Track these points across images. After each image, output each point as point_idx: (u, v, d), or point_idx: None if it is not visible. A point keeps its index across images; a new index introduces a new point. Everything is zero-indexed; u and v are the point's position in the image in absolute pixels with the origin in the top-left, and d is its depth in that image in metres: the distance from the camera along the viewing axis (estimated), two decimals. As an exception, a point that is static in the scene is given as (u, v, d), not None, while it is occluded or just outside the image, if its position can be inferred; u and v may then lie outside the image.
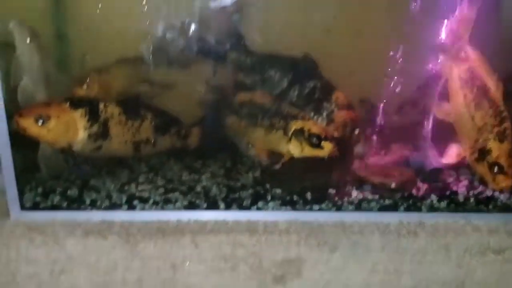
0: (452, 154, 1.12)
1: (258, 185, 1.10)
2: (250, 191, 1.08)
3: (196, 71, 1.24)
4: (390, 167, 1.12)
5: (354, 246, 0.99)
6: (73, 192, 1.06)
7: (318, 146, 1.06)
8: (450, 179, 1.11)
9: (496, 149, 1.03)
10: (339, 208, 1.04)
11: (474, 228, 1.02)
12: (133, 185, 1.09)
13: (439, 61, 1.08)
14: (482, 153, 1.04)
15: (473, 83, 1.06)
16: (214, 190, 1.09)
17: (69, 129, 1.05)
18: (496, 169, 1.03)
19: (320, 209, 1.04)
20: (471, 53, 1.06)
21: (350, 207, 1.04)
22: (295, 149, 1.08)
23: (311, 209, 1.04)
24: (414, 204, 1.05)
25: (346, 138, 1.16)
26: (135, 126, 1.13)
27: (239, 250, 0.98)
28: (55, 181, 1.09)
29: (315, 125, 1.10)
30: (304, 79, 1.20)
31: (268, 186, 1.09)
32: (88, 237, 0.97)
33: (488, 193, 1.07)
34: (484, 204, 1.05)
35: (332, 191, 1.06)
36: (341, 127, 1.18)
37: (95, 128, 1.07)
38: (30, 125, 0.99)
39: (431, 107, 1.15)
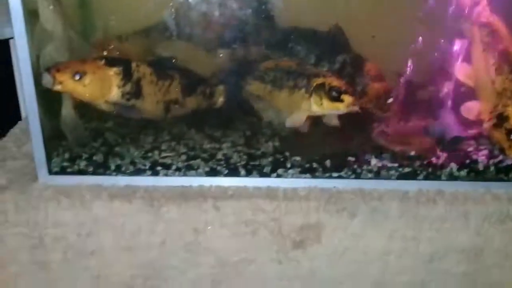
0: (473, 110, 1.11)
1: (277, 153, 1.11)
2: (270, 158, 1.09)
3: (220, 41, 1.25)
4: (410, 135, 1.12)
5: (372, 213, 1.00)
6: (98, 157, 1.09)
7: (337, 99, 1.05)
8: (470, 148, 1.11)
9: None
10: (358, 176, 1.05)
11: (494, 196, 1.02)
12: (156, 152, 1.11)
13: (461, 24, 1.07)
14: (500, 119, 1.04)
15: (494, 47, 1.05)
16: (235, 157, 1.10)
17: (104, 86, 1.07)
18: None
19: (339, 177, 1.05)
20: (493, 17, 1.04)
21: (369, 174, 1.05)
22: (315, 104, 1.08)
23: (330, 177, 1.05)
24: (433, 173, 1.05)
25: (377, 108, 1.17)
26: (165, 86, 1.15)
27: (260, 215, 1.00)
28: (81, 147, 1.12)
29: (337, 79, 1.09)
30: (335, 53, 1.20)
31: (287, 154, 1.10)
32: (113, 201, 1.00)
33: (509, 162, 1.06)
34: (504, 173, 1.05)
35: (351, 158, 1.07)
36: (375, 99, 1.18)
37: (128, 87, 1.09)
38: (66, 80, 1.01)
39: (453, 70, 1.14)
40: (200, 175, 1.06)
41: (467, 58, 1.13)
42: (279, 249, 1.03)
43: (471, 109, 1.11)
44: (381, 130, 1.12)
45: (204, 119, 1.27)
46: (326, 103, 1.07)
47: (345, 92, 1.06)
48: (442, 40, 1.15)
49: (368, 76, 1.22)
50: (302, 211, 1.00)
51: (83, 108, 1.15)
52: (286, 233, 1.02)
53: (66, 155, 1.09)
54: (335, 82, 1.08)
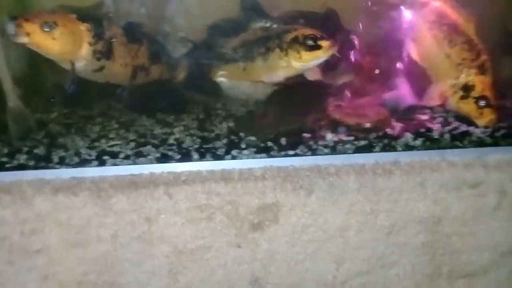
0: (435, 95, 1.10)
1: (232, 134, 1.08)
2: (224, 141, 1.06)
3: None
4: (364, 107, 1.11)
5: (330, 188, 0.98)
6: (40, 150, 1.03)
7: (315, 47, 1.02)
8: (425, 117, 1.11)
9: (480, 83, 1.02)
10: (314, 152, 1.03)
11: (449, 164, 1.02)
12: (103, 141, 1.06)
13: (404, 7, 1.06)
14: (466, 90, 1.03)
15: (441, 21, 1.04)
16: (188, 141, 1.06)
17: (75, 42, 1.00)
18: (483, 103, 1.01)
19: (295, 154, 1.03)
20: None
21: (325, 150, 1.03)
22: (293, 60, 1.04)
23: (286, 155, 1.03)
24: (389, 144, 1.04)
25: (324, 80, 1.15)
26: (135, 50, 1.11)
27: (215, 199, 0.96)
28: (21, 141, 1.05)
29: (309, 29, 1.05)
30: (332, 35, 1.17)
31: (242, 134, 1.07)
32: (57, 195, 0.94)
33: (463, 128, 1.07)
34: (459, 140, 1.05)
35: (306, 135, 1.05)
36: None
37: (100, 45, 1.03)
38: (35, 31, 0.93)
39: (403, 50, 1.13)
40: (150, 162, 1.01)
41: (415, 39, 1.12)
42: (237, 233, 1.00)
43: (433, 95, 1.10)
44: (336, 104, 1.10)
45: (157, 103, 1.24)
46: (304, 54, 1.03)
47: (321, 38, 1.02)
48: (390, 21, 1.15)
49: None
50: (258, 191, 0.97)
51: (26, 99, 1.09)
52: (243, 216, 0.98)
53: (5, 150, 1.02)
54: (307, 31, 1.04)
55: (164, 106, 1.19)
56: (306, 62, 1.04)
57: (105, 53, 1.05)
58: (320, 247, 1.04)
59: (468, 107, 1.04)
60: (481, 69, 1.04)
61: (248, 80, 1.15)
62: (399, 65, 1.13)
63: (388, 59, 1.16)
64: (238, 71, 1.15)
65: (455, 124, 1.09)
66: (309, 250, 1.04)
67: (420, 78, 1.12)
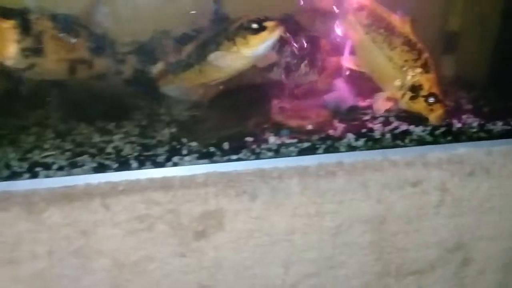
0: (383, 101, 1.11)
1: (174, 140, 1.05)
2: (166, 147, 1.03)
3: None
4: (306, 109, 1.10)
5: (273, 192, 0.96)
6: (-36, 165, 0.98)
7: (260, 29, 0.99)
8: (366, 117, 1.11)
9: (426, 81, 1.03)
10: (257, 156, 1.01)
11: (391, 163, 1.02)
12: (36, 152, 1.01)
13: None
14: (415, 90, 1.04)
15: (377, 25, 1.05)
16: (127, 149, 1.03)
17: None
18: (432, 99, 1.03)
19: (239, 159, 1.01)
20: None
21: (269, 153, 1.02)
22: (242, 46, 1.01)
23: (229, 160, 1.01)
24: (332, 145, 1.04)
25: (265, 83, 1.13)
26: (70, 44, 1.05)
27: (155, 208, 0.93)
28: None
29: (252, 16, 1.02)
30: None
31: (184, 140, 1.04)
32: (-15, 211, 0.90)
33: (403, 127, 1.08)
34: (400, 139, 1.06)
35: (249, 139, 1.03)
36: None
37: (27, 42, 0.97)
38: None
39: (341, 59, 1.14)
40: (86, 172, 0.97)
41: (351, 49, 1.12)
42: (181, 242, 0.97)
43: (381, 103, 1.11)
44: (278, 107, 1.09)
45: (97, 110, 1.19)
46: (251, 38, 1.00)
47: (265, 19, 0.99)
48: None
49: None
50: (200, 198, 0.95)
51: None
52: (186, 224, 0.96)
53: None
54: (252, 17, 1.01)
55: (105, 113, 1.16)
56: (254, 47, 1.01)
57: (35, 49, 1.00)
58: (267, 252, 1.02)
59: (419, 106, 1.06)
60: (425, 68, 1.05)
61: (205, 81, 1.11)
62: (339, 67, 1.14)
63: (328, 62, 1.16)
64: (195, 75, 1.11)
65: (396, 123, 1.10)
66: (257, 256, 1.02)
67: (360, 79, 1.13)
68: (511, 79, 1.34)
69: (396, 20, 1.04)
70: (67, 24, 1.07)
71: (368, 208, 1.02)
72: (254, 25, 0.99)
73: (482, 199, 1.09)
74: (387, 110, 1.14)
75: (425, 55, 1.05)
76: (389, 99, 1.09)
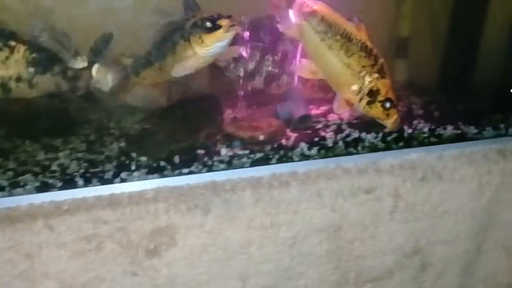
0: (342, 105, 1.10)
1: (123, 155, 1.02)
2: (114, 163, 1.00)
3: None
4: (258, 119, 1.09)
5: (226, 205, 0.95)
6: None
7: (214, 28, 0.96)
8: (319, 125, 1.11)
9: (383, 86, 1.03)
10: (210, 169, 1.00)
11: (344, 170, 1.02)
12: (-26, 173, 0.97)
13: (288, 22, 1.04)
14: (372, 95, 1.05)
15: (333, 32, 1.05)
16: (73, 166, 0.99)
17: None
18: (388, 104, 1.03)
19: (190, 172, 0.99)
20: (317, 3, 1.02)
21: (221, 165, 1.00)
22: (197, 46, 0.98)
23: (180, 174, 0.98)
24: (285, 155, 1.03)
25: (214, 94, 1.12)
26: (1, 59, 0.98)
27: (103, 227, 0.89)
28: None
29: (207, 14, 0.99)
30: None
31: (134, 155, 1.01)
32: None
33: (355, 135, 1.08)
34: (352, 146, 1.06)
35: (201, 151, 1.01)
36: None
37: None
38: None
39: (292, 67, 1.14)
40: (29, 192, 0.92)
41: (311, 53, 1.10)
42: (132, 260, 0.93)
43: (340, 105, 1.08)
44: (230, 118, 1.08)
45: (43, 126, 1.14)
46: (205, 37, 0.97)
47: (219, 18, 0.97)
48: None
49: None
50: (150, 214, 0.92)
51: None
52: (136, 242, 0.92)
53: None
54: (204, 15, 0.99)
55: (51, 129, 1.12)
56: (209, 46, 0.98)
57: None
58: (223, 266, 1.00)
59: (375, 111, 1.06)
60: (381, 73, 1.06)
61: (165, 79, 1.08)
62: (291, 76, 1.13)
63: (281, 70, 1.16)
64: (155, 73, 1.07)
65: (348, 131, 1.10)
66: (212, 270, 1.00)
67: (313, 87, 1.13)
68: (460, 83, 1.38)
69: (352, 26, 1.05)
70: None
71: (323, 217, 1.01)
72: (208, 24, 0.97)
73: (435, 204, 1.10)
74: (342, 117, 1.15)
75: (381, 60, 1.06)
76: (348, 103, 1.10)
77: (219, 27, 0.96)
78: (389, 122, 1.06)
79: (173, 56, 1.03)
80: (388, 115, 1.06)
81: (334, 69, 1.05)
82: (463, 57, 1.39)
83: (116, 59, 1.14)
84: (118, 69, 1.11)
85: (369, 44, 1.04)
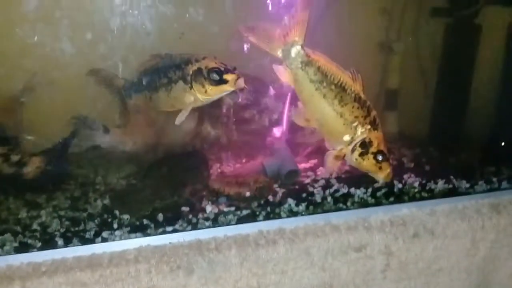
0: (331, 159, 1.09)
1: (106, 213, 0.99)
2: (96, 221, 0.96)
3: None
4: (244, 175, 1.07)
5: (211, 265, 0.91)
6: None
7: (221, 81, 0.95)
8: (307, 181, 1.09)
9: (375, 138, 1.01)
10: (195, 226, 0.97)
11: (333, 228, 0.99)
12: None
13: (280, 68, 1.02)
14: (364, 146, 1.04)
15: (329, 81, 1.06)
16: (54, 225, 0.95)
17: None
18: (380, 157, 1.01)
19: (174, 230, 0.96)
20: (314, 53, 1.02)
21: (207, 223, 0.97)
22: (199, 94, 0.97)
23: (164, 232, 0.95)
24: (272, 211, 1.01)
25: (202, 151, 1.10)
26: None
27: (81, 290, 0.87)
28: None
29: (212, 61, 0.98)
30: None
31: (117, 212, 0.98)
32: None
33: (344, 190, 1.06)
34: (341, 202, 1.04)
35: (185, 209, 0.98)
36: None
37: None
38: None
39: (285, 115, 1.13)
40: (7, 253, 0.89)
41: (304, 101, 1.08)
42: (110, 326, 0.90)
43: (332, 157, 1.08)
44: (216, 173, 1.06)
45: (27, 182, 1.12)
46: (210, 88, 0.96)
47: (226, 71, 0.96)
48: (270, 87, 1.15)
49: None
50: (131, 276, 0.88)
51: None
52: (116, 306, 0.90)
53: None
54: (211, 64, 0.97)
55: (36, 184, 1.10)
56: (212, 96, 0.98)
57: None
58: (207, 330, 0.97)
59: (367, 163, 1.04)
60: (374, 125, 1.05)
61: (155, 109, 1.06)
62: (280, 129, 1.13)
63: (270, 123, 1.16)
64: (146, 102, 1.05)
65: (337, 186, 1.08)
66: (196, 335, 0.96)
67: (302, 142, 1.13)
68: (451, 136, 1.37)
69: (347, 77, 1.05)
70: None
71: (312, 276, 0.97)
72: (215, 76, 0.96)
73: (429, 261, 1.07)
74: (332, 171, 1.13)
75: (374, 113, 1.06)
76: (338, 157, 1.09)
77: (226, 81, 0.96)
78: (382, 176, 1.04)
79: (168, 93, 1.01)
80: (380, 168, 1.04)
81: (327, 118, 1.04)
82: (454, 109, 1.40)
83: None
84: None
85: (362, 95, 1.05)
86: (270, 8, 1.07)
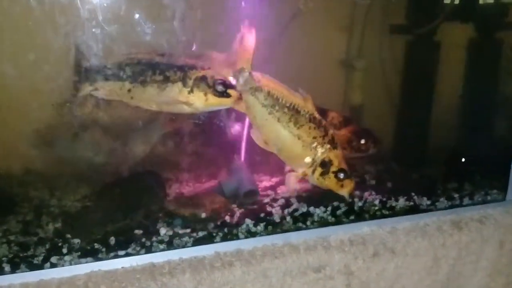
0: (294, 178, 1.06)
1: (57, 237, 0.95)
2: (47, 245, 0.93)
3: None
4: (200, 195, 1.05)
5: (162, 291, 0.89)
6: None
7: (224, 94, 0.95)
8: (265, 200, 1.07)
9: (335, 157, 1.02)
10: (149, 250, 0.93)
11: (292, 248, 0.97)
12: None
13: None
14: (325, 166, 1.03)
15: (281, 104, 1.05)
16: (2, 250, 0.91)
17: None
18: (342, 175, 1.01)
19: (127, 254, 0.92)
20: (264, 78, 1.00)
21: (161, 246, 0.94)
22: (197, 100, 0.96)
23: (116, 256, 0.91)
24: (230, 232, 0.98)
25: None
26: None
27: (24, 320, 0.83)
28: None
29: (217, 73, 0.97)
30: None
31: (68, 236, 0.94)
32: None
33: (303, 209, 1.04)
34: (301, 221, 1.02)
35: (138, 231, 0.95)
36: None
37: None
38: None
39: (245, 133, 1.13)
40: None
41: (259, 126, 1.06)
42: None
43: (292, 178, 1.05)
44: (171, 194, 1.04)
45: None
46: (212, 98, 0.95)
47: (230, 86, 0.96)
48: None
49: None
50: (78, 304, 0.86)
51: None
52: (63, 334, 0.86)
53: None
54: (217, 74, 0.97)
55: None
56: (209, 106, 0.98)
57: None
58: None
59: (329, 182, 1.03)
60: (332, 144, 1.05)
61: (131, 103, 1.01)
62: (237, 149, 1.12)
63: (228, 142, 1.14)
64: (120, 91, 1.00)
65: (296, 205, 1.06)
66: None
67: (259, 162, 1.12)
68: (413, 152, 1.37)
69: (298, 98, 1.04)
70: None
71: (270, 299, 0.96)
72: (220, 88, 0.96)
73: (390, 280, 1.05)
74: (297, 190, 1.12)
75: (331, 131, 1.05)
76: (299, 178, 1.08)
77: (229, 96, 0.96)
78: (344, 192, 1.04)
79: (160, 90, 0.98)
80: (342, 185, 1.04)
81: (284, 142, 1.04)
82: (416, 125, 1.40)
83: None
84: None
85: (317, 115, 1.04)
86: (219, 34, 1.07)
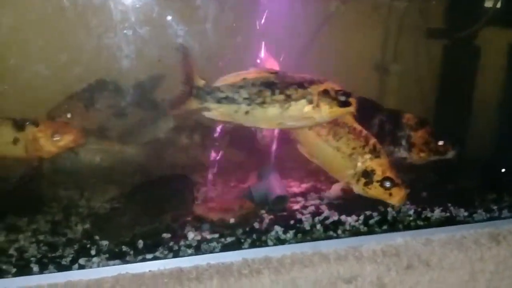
0: (338, 190, 1.09)
1: (85, 238, 0.95)
2: (75, 246, 0.92)
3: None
4: (229, 201, 1.03)
5: (189, 297, 0.88)
6: None
7: (346, 103, 0.96)
8: (295, 207, 1.05)
9: (378, 166, 0.99)
10: (176, 254, 0.92)
11: (322, 257, 0.94)
12: None
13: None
14: (367, 176, 1.01)
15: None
16: (31, 250, 0.92)
17: None
18: (388, 184, 0.98)
19: (155, 258, 0.91)
20: None
21: (189, 250, 0.93)
22: (323, 113, 0.96)
23: (144, 259, 0.91)
24: (258, 239, 0.96)
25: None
26: None
27: (51, 321, 0.83)
28: None
29: (333, 84, 0.98)
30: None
31: (96, 237, 0.94)
32: None
33: (334, 218, 1.02)
34: (332, 230, 0.99)
35: (166, 235, 0.94)
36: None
37: None
38: None
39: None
40: (-20, 279, 0.87)
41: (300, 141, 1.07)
42: None
43: (337, 190, 1.09)
44: (200, 199, 1.02)
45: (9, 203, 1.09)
46: (336, 109, 0.96)
47: (350, 95, 0.96)
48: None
49: None
50: (105, 307, 0.85)
51: None
52: (89, 338, 0.85)
53: None
54: (335, 86, 0.97)
55: (17, 207, 1.06)
56: (333, 116, 0.98)
57: None
58: None
59: (375, 192, 1.01)
60: (374, 153, 1.03)
61: (247, 124, 1.01)
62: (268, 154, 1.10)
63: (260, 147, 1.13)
64: (236, 114, 0.98)
65: (327, 213, 1.04)
66: None
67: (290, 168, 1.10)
68: (450, 160, 1.32)
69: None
70: None
71: (298, 309, 0.93)
72: (342, 98, 0.96)
73: (424, 294, 1.02)
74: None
75: (372, 140, 1.03)
76: (345, 187, 1.07)
77: (350, 104, 0.96)
78: (394, 201, 1.01)
79: (283, 110, 0.97)
80: (391, 194, 1.00)
81: (325, 155, 1.03)
82: (454, 133, 1.36)
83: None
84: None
85: (357, 126, 1.02)
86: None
